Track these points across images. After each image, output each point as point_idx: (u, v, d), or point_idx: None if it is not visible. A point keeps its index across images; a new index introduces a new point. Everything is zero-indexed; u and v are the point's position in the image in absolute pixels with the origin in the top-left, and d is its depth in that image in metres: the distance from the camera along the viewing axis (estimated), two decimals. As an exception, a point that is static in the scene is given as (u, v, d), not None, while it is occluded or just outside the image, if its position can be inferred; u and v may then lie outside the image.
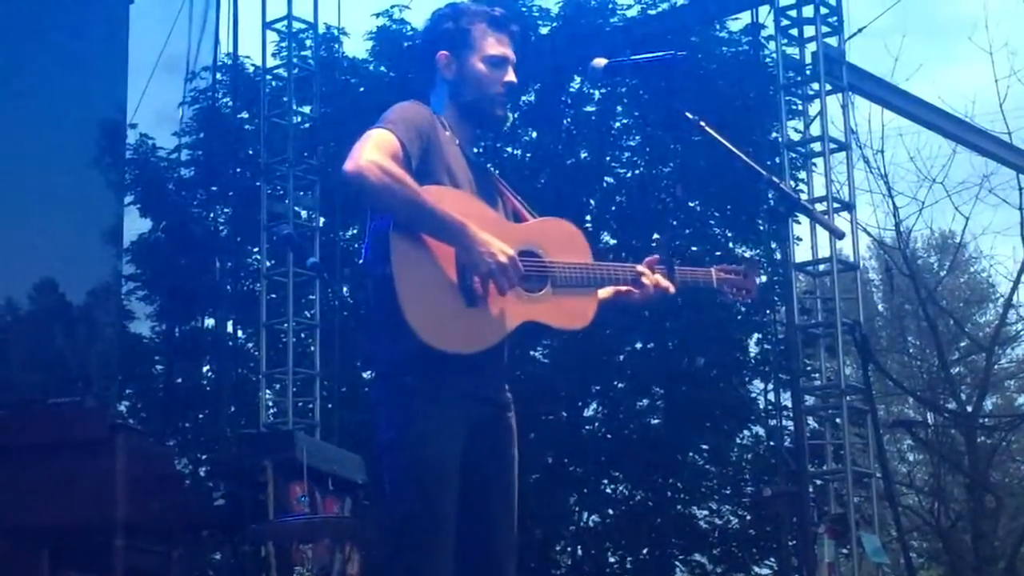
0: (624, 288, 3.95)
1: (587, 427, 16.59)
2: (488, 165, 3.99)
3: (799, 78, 12.99)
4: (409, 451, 3.60)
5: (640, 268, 3.95)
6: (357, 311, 16.15)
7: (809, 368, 14.10)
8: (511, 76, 3.87)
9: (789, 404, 13.89)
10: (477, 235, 3.58)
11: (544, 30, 16.09)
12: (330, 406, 13.85)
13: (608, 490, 16.67)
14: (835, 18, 12.82)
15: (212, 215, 16.56)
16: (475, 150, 4.01)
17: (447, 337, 3.56)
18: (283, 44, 14.55)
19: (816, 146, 12.71)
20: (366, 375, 16.58)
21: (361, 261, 3.73)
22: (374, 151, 3.54)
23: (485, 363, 3.67)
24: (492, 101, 3.86)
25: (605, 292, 3.92)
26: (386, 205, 3.54)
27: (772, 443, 15.48)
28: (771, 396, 15.94)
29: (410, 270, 3.55)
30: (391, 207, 3.54)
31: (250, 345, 15.81)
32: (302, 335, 14.10)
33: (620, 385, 16.55)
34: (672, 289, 3.96)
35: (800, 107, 13.35)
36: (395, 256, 3.54)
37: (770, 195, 13.67)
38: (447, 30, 3.89)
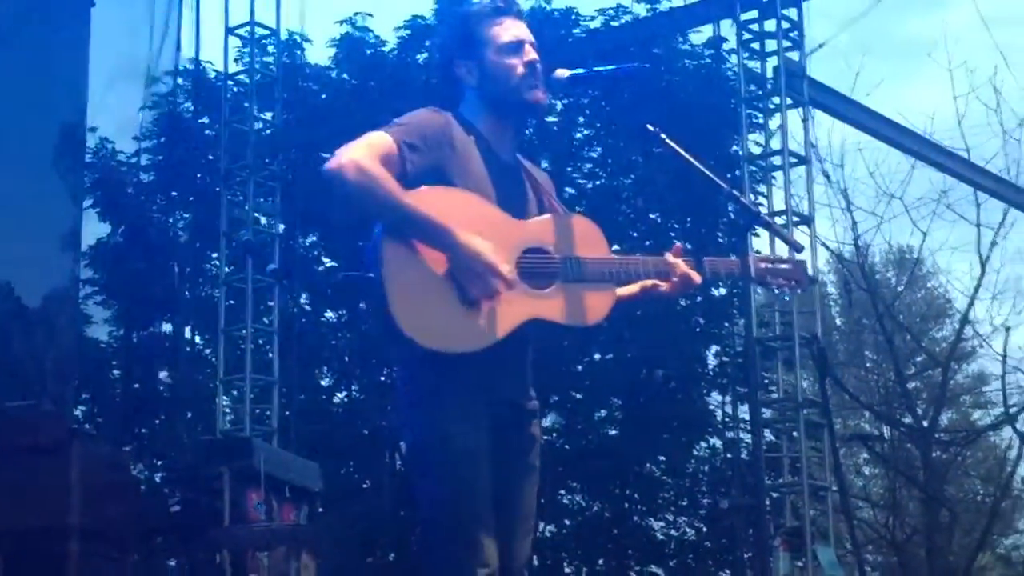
0: (650, 282, 3.85)
1: (545, 437, 16.55)
2: (530, 166, 3.89)
3: (760, 91, 13.07)
4: (437, 452, 3.55)
5: (669, 258, 3.84)
6: (316, 318, 16.10)
7: (767, 381, 14.14)
8: (531, 55, 3.77)
9: (746, 417, 13.95)
10: (458, 237, 3.48)
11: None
12: (288, 413, 13.80)
13: (565, 500, 16.67)
14: (796, 32, 12.90)
15: (172, 220, 16.49)
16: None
17: (442, 338, 3.49)
18: (245, 50, 14.53)
19: (776, 160, 12.80)
20: (324, 383, 16.55)
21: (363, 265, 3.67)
22: (360, 150, 3.47)
23: (500, 364, 3.59)
24: (518, 87, 3.75)
25: (631, 289, 3.83)
26: (362, 205, 3.46)
27: (729, 455, 15.54)
28: (728, 408, 16.01)
29: (401, 274, 3.48)
30: (366, 207, 3.47)
31: (208, 351, 15.72)
32: (260, 342, 14.06)
33: (578, 396, 16.56)
34: (698, 280, 3.84)
35: (761, 120, 13.41)
36: (386, 260, 3.47)
37: (730, 208, 13.69)
38: (456, 37, 3.85)
